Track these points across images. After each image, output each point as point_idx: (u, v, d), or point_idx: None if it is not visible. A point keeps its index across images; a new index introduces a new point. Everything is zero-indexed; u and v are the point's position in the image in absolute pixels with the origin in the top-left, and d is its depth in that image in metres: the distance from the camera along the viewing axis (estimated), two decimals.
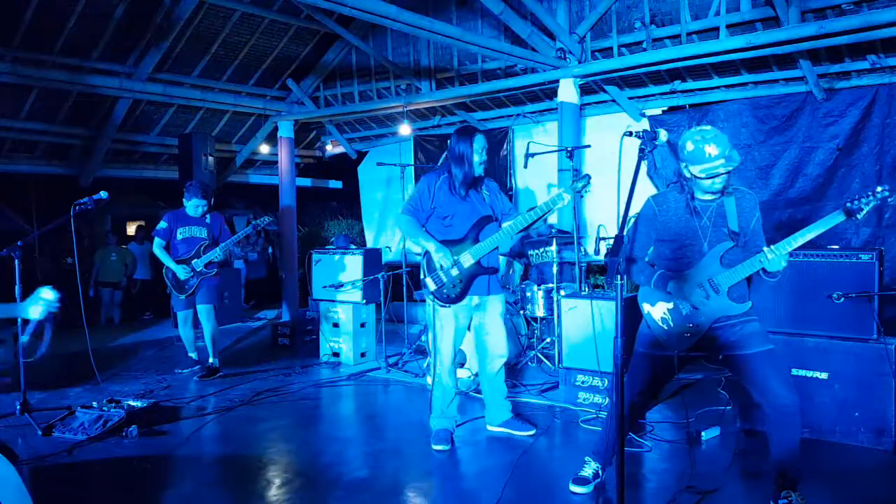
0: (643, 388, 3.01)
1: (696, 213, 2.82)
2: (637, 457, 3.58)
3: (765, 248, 2.67)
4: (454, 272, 3.71)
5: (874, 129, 5.93)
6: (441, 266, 3.70)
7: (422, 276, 3.81)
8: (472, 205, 3.79)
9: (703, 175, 2.70)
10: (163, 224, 5.67)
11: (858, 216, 2.61)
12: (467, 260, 3.70)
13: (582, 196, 3.48)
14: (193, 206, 5.68)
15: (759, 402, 2.78)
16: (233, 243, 5.73)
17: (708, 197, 2.82)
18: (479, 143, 3.76)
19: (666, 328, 2.87)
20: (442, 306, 3.77)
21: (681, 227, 2.85)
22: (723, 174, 2.70)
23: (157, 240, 5.64)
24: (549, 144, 6.40)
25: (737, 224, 2.79)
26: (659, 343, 2.90)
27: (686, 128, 6.94)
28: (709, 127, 2.75)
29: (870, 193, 2.58)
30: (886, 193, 2.56)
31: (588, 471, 3.15)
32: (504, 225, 3.71)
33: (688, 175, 2.78)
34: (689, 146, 2.70)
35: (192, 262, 5.59)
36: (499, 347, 3.93)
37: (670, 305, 2.85)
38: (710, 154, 2.66)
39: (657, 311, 2.89)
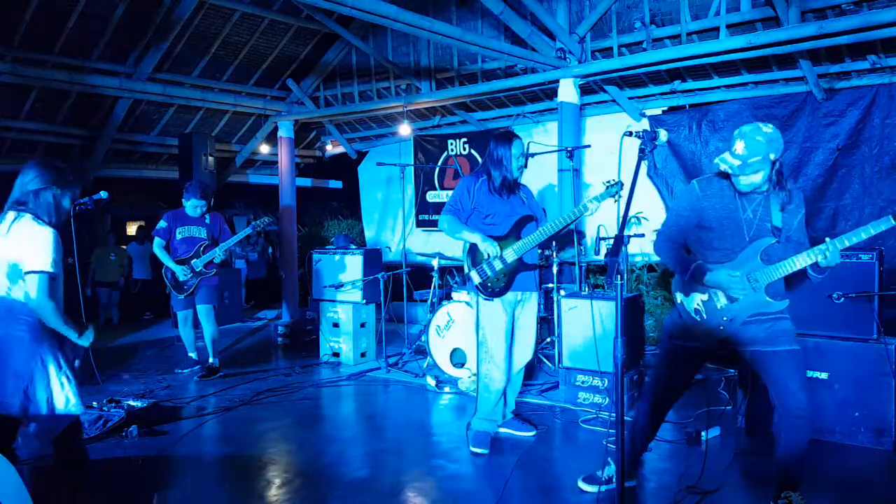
0: (670, 383, 2.94)
1: (742, 205, 2.76)
2: None
3: (827, 240, 2.57)
4: (498, 265, 3.76)
5: (874, 129, 5.91)
6: (487, 256, 3.75)
7: (466, 271, 3.88)
8: (511, 205, 3.89)
9: (717, 163, 2.66)
10: (162, 224, 5.68)
11: None
12: (510, 255, 3.76)
13: (616, 202, 3.59)
14: (192, 206, 5.68)
15: (774, 402, 2.74)
16: (232, 244, 5.73)
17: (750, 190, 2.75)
18: (518, 148, 3.88)
19: (699, 319, 2.81)
20: (486, 300, 3.80)
21: (724, 216, 2.77)
22: (737, 176, 2.66)
23: (157, 239, 5.65)
24: (549, 144, 6.40)
25: (780, 220, 2.72)
26: (691, 333, 2.84)
27: (686, 128, 6.95)
28: (770, 128, 2.64)
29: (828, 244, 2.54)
30: None
31: (606, 473, 3.12)
32: (542, 227, 3.77)
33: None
34: (737, 132, 2.66)
35: (192, 262, 5.59)
36: (529, 346, 3.99)
37: (705, 297, 2.79)
38: (735, 150, 2.62)
39: (691, 302, 2.83)
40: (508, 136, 3.89)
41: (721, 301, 2.77)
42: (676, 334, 2.90)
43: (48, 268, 2.69)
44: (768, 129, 2.64)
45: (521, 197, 3.96)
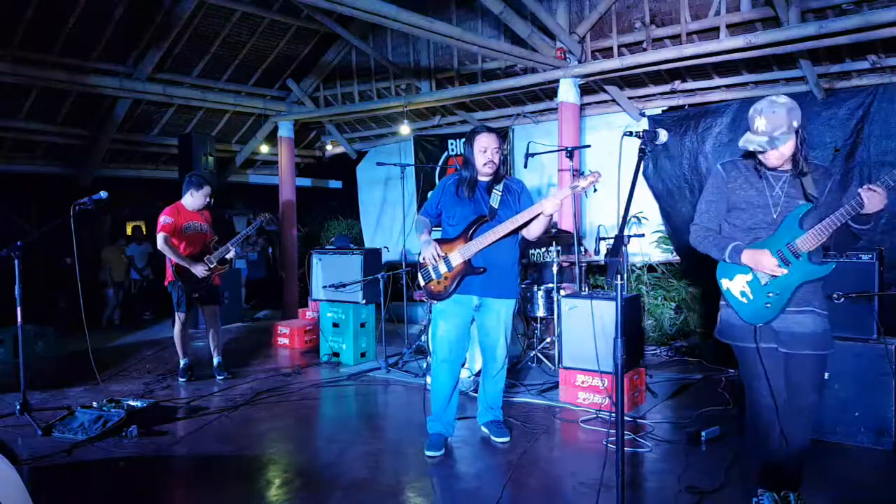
0: (767, 383, 2.78)
1: (768, 183, 2.71)
2: (637, 457, 3.59)
3: (884, 176, 2.50)
4: (442, 269, 3.69)
5: (874, 129, 5.92)
6: (425, 261, 3.73)
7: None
8: (473, 205, 3.74)
9: (742, 145, 2.62)
10: (167, 219, 5.45)
11: None
12: (456, 258, 3.67)
13: (586, 195, 3.47)
14: (198, 197, 5.55)
15: (777, 398, 2.70)
16: (240, 240, 5.64)
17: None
18: (481, 142, 3.71)
19: (746, 301, 2.73)
20: (431, 301, 3.81)
21: (752, 194, 2.73)
22: (759, 152, 2.62)
23: (164, 235, 5.43)
24: (549, 144, 6.40)
25: (814, 190, 2.65)
26: (742, 333, 2.75)
27: (685, 128, 6.95)
28: (784, 99, 2.59)
29: (885, 177, 2.49)
30: None
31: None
32: (494, 228, 3.60)
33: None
34: (751, 111, 2.62)
35: (206, 258, 5.52)
36: (494, 351, 3.86)
37: (749, 277, 2.72)
38: (756, 127, 2.58)
39: (736, 284, 2.75)
40: (473, 133, 3.76)
41: (765, 277, 2.68)
42: (732, 338, 2.81)
43: None
44: (783, 99, 2.59)
45: (496, 194, 3.74)
